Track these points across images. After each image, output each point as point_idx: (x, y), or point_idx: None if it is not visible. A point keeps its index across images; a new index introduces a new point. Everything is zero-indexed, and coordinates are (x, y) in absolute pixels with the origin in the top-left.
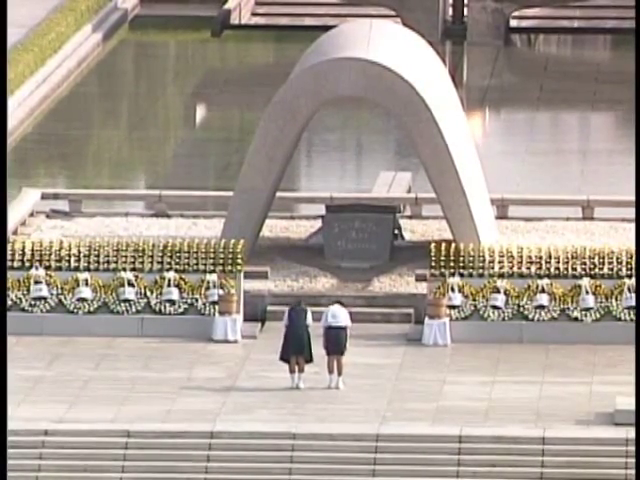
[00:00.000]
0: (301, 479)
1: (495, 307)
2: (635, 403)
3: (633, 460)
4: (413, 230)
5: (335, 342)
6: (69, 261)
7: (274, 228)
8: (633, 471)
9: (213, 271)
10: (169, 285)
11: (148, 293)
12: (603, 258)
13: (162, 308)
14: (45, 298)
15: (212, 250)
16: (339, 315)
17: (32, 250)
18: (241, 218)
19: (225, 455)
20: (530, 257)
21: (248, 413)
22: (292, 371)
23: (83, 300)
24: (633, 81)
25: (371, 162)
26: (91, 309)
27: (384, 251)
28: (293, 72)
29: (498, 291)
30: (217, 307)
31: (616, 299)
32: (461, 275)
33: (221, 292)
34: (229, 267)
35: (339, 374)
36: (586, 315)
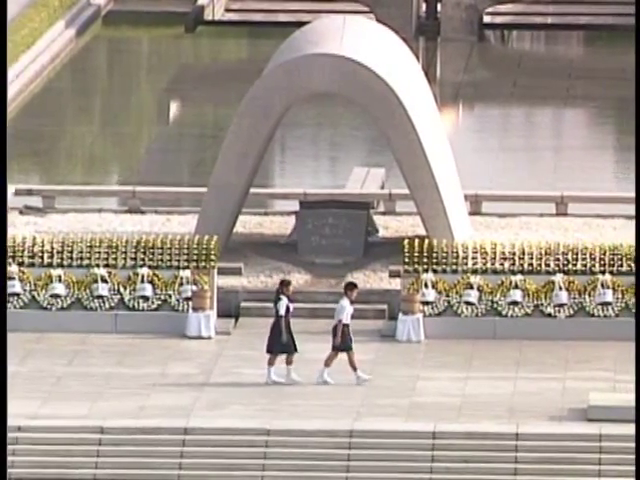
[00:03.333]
0: (275, 475)
1: (468, 303)
2: (635, 403)
3: (606, 456)
4: (387, 226)
5: (350, 338)
6: (42, 257)
7: (248, 224)
8: (606, 467)
9: (187, 267)
10: (142, 281)
11: (121, 289)
12: (577, 254)
13: (135, 304)
14: (18, 294)
15: (186, 246)
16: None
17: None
18: (215, 214)
19: (199, 451)
20: (504, 253)
21: (222, 409)
22: (272, 364)
23: (56, 296)
24: (606, 77)
25: (345, 158)
26: (64, 305)
27: (358, 247)
28: (267, 68)
29: (471, 287)
30: (191, 303)
31: (589, 295)
32: (435, 271)
33: (195, 288)
34: (203, 263)
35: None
36: (559, 311)
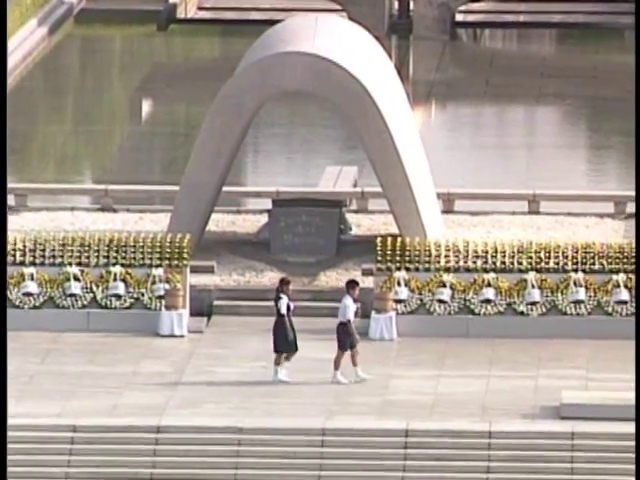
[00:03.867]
0: (248, 473)
1: (441, 301)
2: (635, 402)
3: (579, 454)
4: (359, 224)
5: (355, 335)
6: (14, 255)
7: (220, 222)
8: (579, 464)
9: (159, 265)
10: (115, 279)
11: (94, 287)
12: (549, 252)
13: (108, 302)
14: None
15: (158, 244)
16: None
17: None
18: (187, 212)
19: (172, 449)
20: (476, 251)
21: (194, 407)
22: (279, 364)
23: (29, 295)
24: (578, 76)
25: (317, 156)
26: (37, 304)
27: (330, 245)
28: (239, 67)
29: (444, 285)
30: (163, 301)
31: (562, 293)
32: (407, 269)
33: (167, 286)
34: (175, 261)
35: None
36: (532, 309)
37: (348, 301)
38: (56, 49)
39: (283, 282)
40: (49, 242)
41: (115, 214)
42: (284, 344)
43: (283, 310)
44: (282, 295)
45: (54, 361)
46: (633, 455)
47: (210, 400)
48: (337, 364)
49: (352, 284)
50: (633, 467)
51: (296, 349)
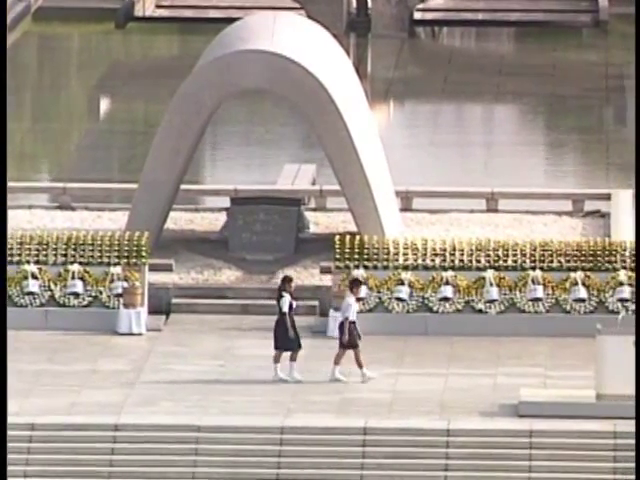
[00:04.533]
0: (206, 471)
1: (399, 299)
2: (635, 401)
3: (537, 452)
4: (318, 222)
5: (358, 335)
6: None
7: (178, 221)
8: (537, 462)
9: (117, 264)
10: (73, 278)
11: (52, 286)
12: (507, 250)
13: (66, 301)
14: None
15: (116, 243)
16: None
17: None
18: (145, 211)
19: (129, 448)
20: (434, 249)
21: (153, 405)
22: (278, 362)
23: None
24: (537, 74)
25: (276, 154)
26: None
27: (289, 243)
28: (197, 65)
29: (402, 283)
30: (121, 300)
31: (520, 291)
32: (365, 267)
33: (125, 285)
34: (133, 260)
35: (336, 365)
36: (490, 307)
37: (351, 300)
38: (14, 47)
39: (285, 280)
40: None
41: (73, 212)
42: (284, 342)
43: (285, 308)
44: (284, 293)
45: (12, 359)
46: (591, 452)
47: (168, 398)
48: (337, 361)
49: (356, 283)
50: (590, 464)
51: (299, 347)
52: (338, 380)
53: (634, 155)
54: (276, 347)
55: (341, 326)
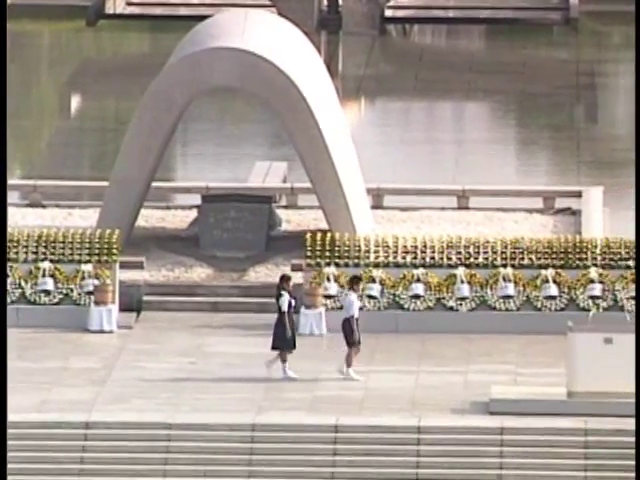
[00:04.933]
0: (177, 469)
1: (371, 297)
2: (635, 400)
3: (508, 449)
4: (289, 220)
5: (359, 332)
6: None
7: (150, 218)
8: (508, 459)
9: (88, 261)
10: (44, 275)
11: (23, 283)
12: (478, 247)
13: (37, 298)
14: None
15: (87, 240)
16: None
17: None
18: (116, 208)
19: (101, 445)
20: (405, 247)
21: (124, 403)
22: (285, 360)
23: None
24: (507, 71)
25: (247, 152)
26: None
27: (260, 241)
28: (168, 62)
29: (374, 281)
30: (92, 297)
31: (491, 288)
32: (337, 265)
33: (96, 282)
34: (104, 257)
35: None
36: (461, 304)
37: (353, 297)
38: None
39: (284, 279)
40: None
41: (44, 210)
42: (282, 341)
43: (284, 307)
44: (283, 292)
45: None
46: (562, 450)
47: (139, 396)
48: (349, 361)
49: (356, 280)
50: (561, 461)
51: (294, 347)
52: (352, 379)
53: (606, 152)
54: (273, 347)
55: (345, 324)
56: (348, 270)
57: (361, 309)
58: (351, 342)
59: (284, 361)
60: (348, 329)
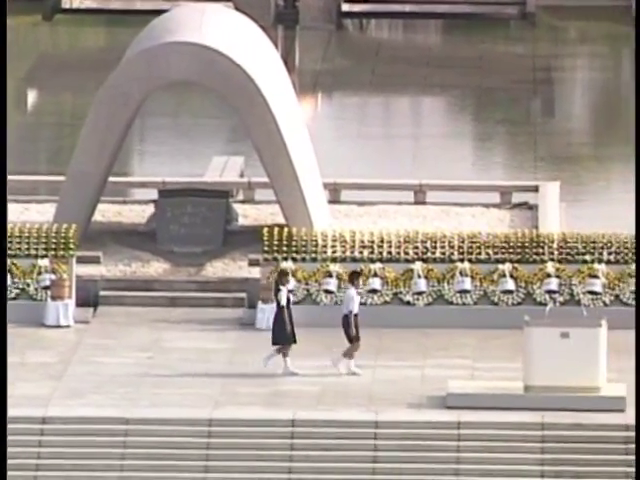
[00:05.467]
0: (134, 464)
1: (328, 291)
2: (635, 400)
3: (465, 443)
4: (246, 215)
5: (357, 328)
6: None
7: (106, 213)
8: (465, 454)
9: (45, 256)
10: None
11: None
12: (435, 242)
13: None
14: None
15: (44, 235)
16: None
17: None
18: (73, 203)
19: (57, 440)
20: (362, 241)
21: (80, 398)
22: (286, 355)
23: None
24: (464, 66)
25: (204, 147)
26: None
27: (217, 235)
28: (125, 56)
29: (331, 275)
30: (49, 292)
31: (448, 283)
32: (294, 259)
33: (53, 277)
34: (61, 252)
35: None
36: (418, 299)
37: (352, 292)
38: None
39: (282, 274)
40: None
41: None
42: (281, 336)
43: (283, 302)
44: (281, 287)
45: None
46: (519, 444)
47: (96, 391)
48: (349, 355)
49: (356, 275)
50: (518, 456)
51: (294, 341)
52: (355, 374)
53: (563, 147)
54: (274, 342)
55: (345, 320)
56: (305, 265)
57: (318, 304)
58: (350, 338)
59: (286, 356)
60: (346, 325)
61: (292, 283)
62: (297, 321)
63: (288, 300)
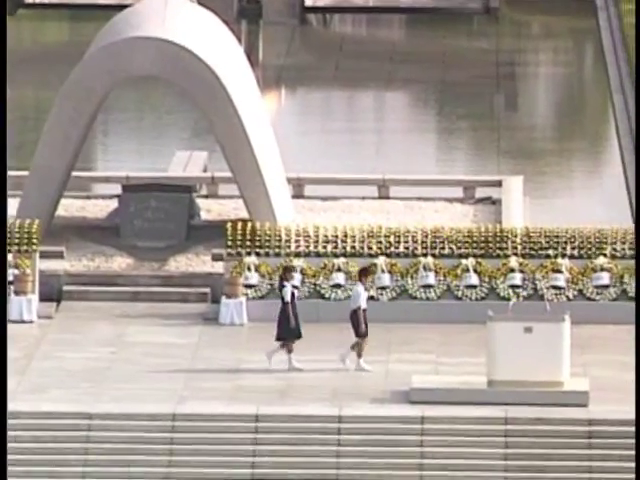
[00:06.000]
0: (97, 459)
1: (292, 286)
2: (635, 400)
3: (428, 437)
4: (209, 209)
5: (367, 324)
6: None
7: (70, 208)
8: (428, 449)
9: (8, 251)
10: None
11: None
12: (399, 237)
13: None
14: None
15: (7, 230)
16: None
17: None
18: (36, 198)
19: (21, 435)
20: (326, 236)
21: (44, 393)
22: (291, 351)
23: None
24: (428, 60)
25: (167, 141)
26: None
27: (180, 230)
28: (88, 51)
29: (294, 270)
30: (12, 287)
31: (412, 278)
32: (257, 254)
33: (16, 272)
34: (24, 247)
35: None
36: (382, 294)
37: (360, 288)
38: None
39: (286, 270)
40: None
41: None
42: (286, 332)
43: (287, 298)
44: (286, 283)
45: None
46: (482, 439)
47: (59, 386)
48: (359, 352)
49: (365, 272)
50: (482, 450)
51: (299, 336)
52: (363, 370)
53: (526, 142)
54: (278, 338)
55: (353, 316)
56: (269, 260)
57: (282, 299)
58: (359, 333)
59: (290, 352)
60: (355, 320)
61: (255, 277)
62: (261, 316)
63: (292, 296)
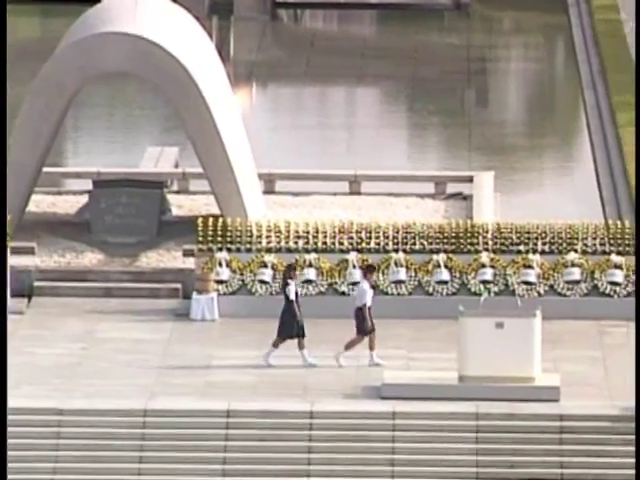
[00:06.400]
0: (68, 455)
1: (263, 282)
2: (635, 400)
3: (400, 433)
4: (180, 205)
5: (372, 320)
6: None
7: (40, 203)
8: (400, 444)
9: None
10: None
11: None
12: (370, 232)
13: None
14: None
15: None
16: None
17: None
18: (7, 193)
19: None
20: (297, 232)
21: (14, 389)
22: (303, 347)
23: None
24: (398, 56)
25: (138, 137)
26: None
27: (151, 226)
28: (59, 47)
29: (265, 266)
30: None
31: (383, 273)
32: (229, 250)
33: None
34: None
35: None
36: (353, 289)
37: (365, 285)
38: None
39: (290, 268)
40: None
41: None
42: (290, 329)
43: (292, 296)
44: (290, 281)
45: None
46: (454, 434)
47: (30, 381)
48: (349, 346)
49: (370, 269)
50: (453, 445)
51: (302, 335)
52: (378, 365)
53: (497, 138)
54: (279, 334)
55: (358, 313)
56: (240, 255)
57: (253, 294)
58: (363, 330)
59: (302, 348)
60: (360, 318)
61: (226, 272)
62: (232, 312)
63: (296, 294)
